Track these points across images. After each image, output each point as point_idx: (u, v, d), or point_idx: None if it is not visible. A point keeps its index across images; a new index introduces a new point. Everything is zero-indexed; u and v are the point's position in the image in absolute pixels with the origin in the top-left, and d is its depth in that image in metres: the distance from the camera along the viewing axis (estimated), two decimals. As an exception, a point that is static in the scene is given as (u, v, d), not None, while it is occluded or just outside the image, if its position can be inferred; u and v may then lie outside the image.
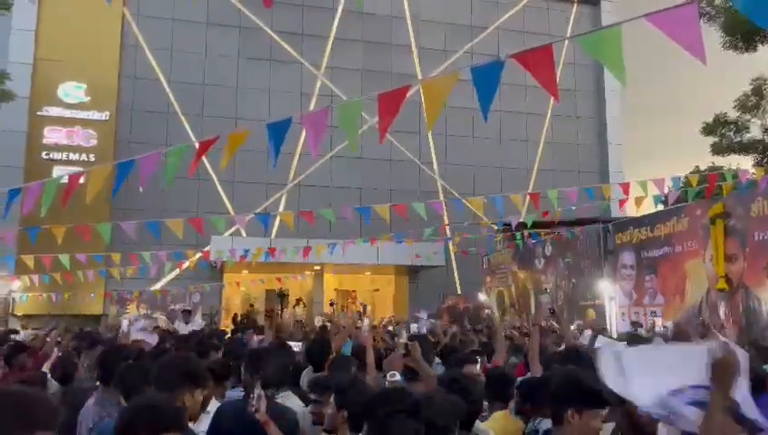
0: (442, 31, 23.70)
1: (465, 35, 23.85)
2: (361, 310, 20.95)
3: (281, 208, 20.57)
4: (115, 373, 3.43)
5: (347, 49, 22.67)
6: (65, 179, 4.82)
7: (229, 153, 3.97)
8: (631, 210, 12.91)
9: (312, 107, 21.61)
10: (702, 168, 17.73)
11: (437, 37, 23.63)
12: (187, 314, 13.20)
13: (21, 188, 4.96)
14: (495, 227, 17.00)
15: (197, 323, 11.55)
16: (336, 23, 22.74)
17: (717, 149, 17.69)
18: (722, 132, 17.45)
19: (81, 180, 4.69)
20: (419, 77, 22.67)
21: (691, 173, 14.10)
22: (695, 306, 10.74)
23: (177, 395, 2.68)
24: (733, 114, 17.37)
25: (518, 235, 14.24)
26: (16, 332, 11.06)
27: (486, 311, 16.96)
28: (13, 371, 6.13)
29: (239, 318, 18.52)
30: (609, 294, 13.04)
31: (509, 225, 16.74)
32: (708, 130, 17.55)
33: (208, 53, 21.44)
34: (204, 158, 4.28)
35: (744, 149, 17.52)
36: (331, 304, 20.56)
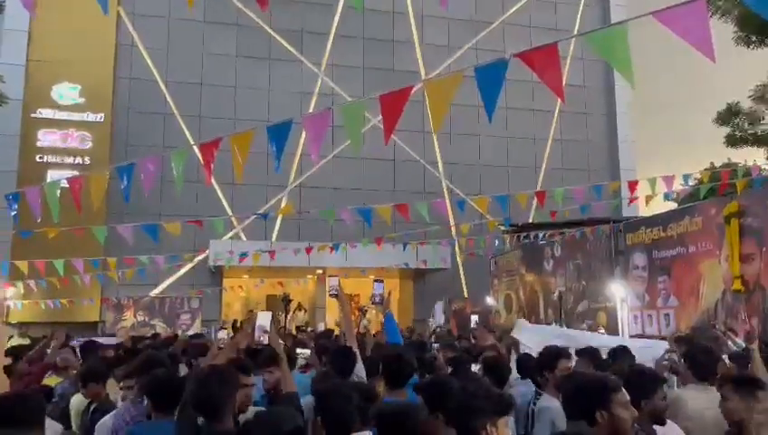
0: (445, 27, 23.14)
1: (470, 31, 23.27)
2: (360, 314, 20.33)
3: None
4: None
5: (348, 46, 22.17)
6: (64, 183, 4.88)
7: (241, 159, 3.96)
8: (642, 209, 12.51)
9: (312, 106, 21.14)
10: (717, 164, 17.20)
11: (441, 33, 23.07)
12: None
13: (19, 192, 4.99)
14: (502, 228, 16.45)
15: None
16: (336, 19, 22.25)
17: (731, 141, 17.14)
18: (735, 122, 16.90)
19: (81, 184, 4.76)
20: (423, 74, 22.13)
21: (704, 170, 13.68)
22: (710, 309, 10.37)
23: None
24: (747, 105, 16.82)
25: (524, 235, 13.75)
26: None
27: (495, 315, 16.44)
28: (12, 379, 6.12)
29: (239, 324, 18.06)
30: (621, 296, 12.59)
31: (516, 225, 16.26)
32: (722, 118, 16.99)
33: (205, 53, 21.01)
34: (201, 159, 4.23)
35: (758, 141, 16.96)
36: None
